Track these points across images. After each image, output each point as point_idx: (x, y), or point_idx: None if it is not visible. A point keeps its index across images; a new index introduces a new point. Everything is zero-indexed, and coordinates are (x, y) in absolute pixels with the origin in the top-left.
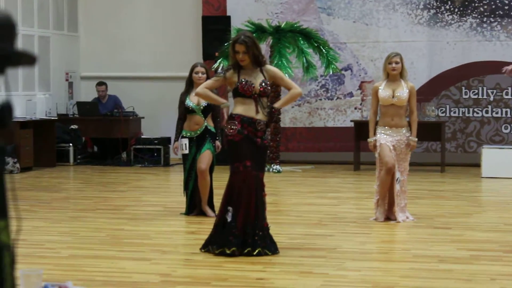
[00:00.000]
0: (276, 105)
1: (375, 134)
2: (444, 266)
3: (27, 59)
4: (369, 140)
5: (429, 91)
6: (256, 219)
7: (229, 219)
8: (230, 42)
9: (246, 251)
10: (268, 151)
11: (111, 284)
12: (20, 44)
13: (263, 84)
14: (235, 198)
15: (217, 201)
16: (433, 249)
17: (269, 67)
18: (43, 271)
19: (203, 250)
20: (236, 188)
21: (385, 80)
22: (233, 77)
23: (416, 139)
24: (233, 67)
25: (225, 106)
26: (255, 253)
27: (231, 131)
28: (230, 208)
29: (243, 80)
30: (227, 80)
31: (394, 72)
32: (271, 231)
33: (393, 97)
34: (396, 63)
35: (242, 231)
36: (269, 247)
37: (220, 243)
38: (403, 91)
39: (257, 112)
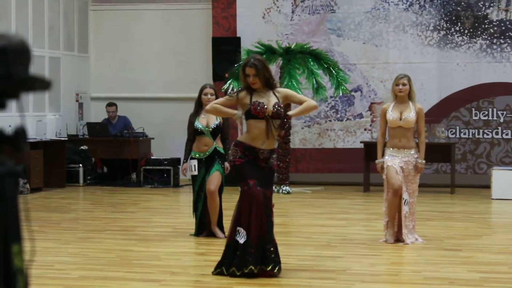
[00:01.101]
0: (290, 113)
1: (383, 156)
2: None
3: (41, 84)
4: (377, 161)
5: (439, 113)
6: (267, 235)
7: (241, 240)
8: (241, 64)
9: (266, 267)
10: (277, 173)
11: None
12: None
13: (277, 106)
14: (245, 218)
15: (227, 222)
16: (444, 271)
17: (280, 89)
18: None
19: (214, 273)
20: (244, 208)
21: (393, 102)
22: (245, 99)
23: (424, 161)
24: (246, 89)
25: (238, 117)
26: (275, 270)
27: (232, 157)
28: (240, 229)
29: (255, 101)
30: (240, 101)
31: (401, 94)
32: (280, 252)
33: (400, 119)
34: (403, 84)
35: (257, 248)
36: (279, 264)
37: (238, 264)
38: (410, 113)
39: (267, 134)
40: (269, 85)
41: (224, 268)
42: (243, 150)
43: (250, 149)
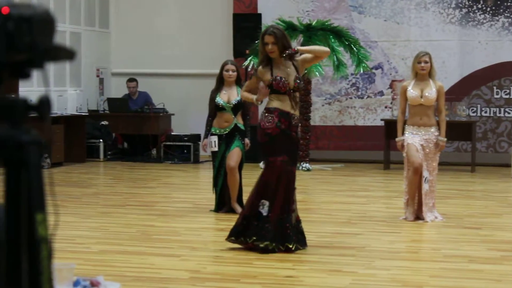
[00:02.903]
0: (300, 48)
1: (403, 133)
2: (474, 266)
3: (65, 54)
4: (397, 139)
5: (460, 91)
6: (283, 215)
7: (264, 213)
8: (260, 35)
9: (280, 245)
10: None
11: (141, 279)
12: None
13: (297, 80)
14: (270, 192)
15: (246, 198)
16: (463, 249)
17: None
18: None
19: (228, 239)
20: (271, 182)
21: (413, 80)
22: (266, 74)
23: (445, 139)
24: (265, 62)
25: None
26: (292, 247)
27: (268, 124)
28: (265, 202)
29: (277, 77)
30: (260, 77)
31: (423, 71)
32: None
33: (421, 97)
34: (425, 62)
35: (276, 226)
36: (300, 241)
37: (256, 235)
38: (431, 91)
39: (292, 107)
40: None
41: (242, 238)
42: (279, 116)
43: (285, 114)
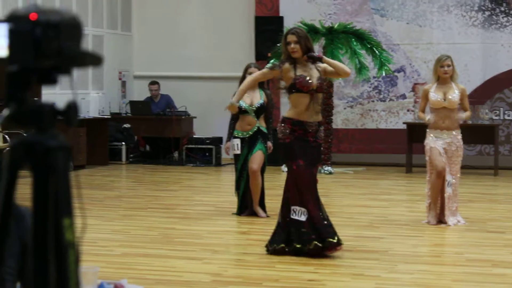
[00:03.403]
0: (325, 58)
1: (426, 138)
2: (498, 271)
3: (92, 60)
4: (426, 120)
5: (483, 94)
6: (320, 216)
7: (301, 218)
8: (283, 36)
9: (330, 241)
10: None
11: (162, 283)
12: None
13: (320, 81)
14: (296, 197)
15: (268, 202)
16: (486, 253)
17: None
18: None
19: (270, 248)
20: (293, 187)
21: (435, 83)
22: (290, 72)
23: (467, 116)
24: (289, 61)
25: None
26: (335, 240)
27: (281, 134)
28: (295, 208)
29: (301, 75)
30: (284, 73)
31: (446, 75)
32: None
33: (444, 100)
34: (448, 66)
35: (315, 226)
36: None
37: (298, 242)
38: (454, 94)
39: (310, 108)
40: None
41: (280, 245)
42: (292, 125)
43: (299, 123)
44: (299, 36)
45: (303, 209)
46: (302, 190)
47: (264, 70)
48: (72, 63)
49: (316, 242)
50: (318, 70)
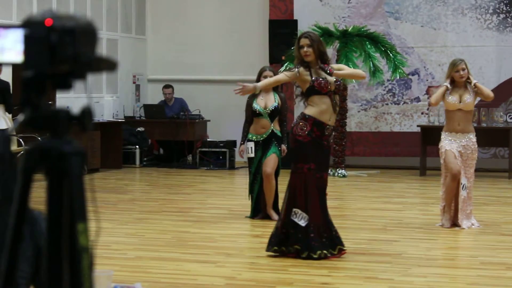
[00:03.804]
0: (337, 72)
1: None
2: None
3: (107, 65)
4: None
5: (497, 97)
6: (323, 220)
7: (301, 223)
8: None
9: (332, 250)
10: (333, 156)
11: (176, 286)
12: None
13: (337, 82)
14: (301, 200)
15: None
16: (501, 256)
17: (333, 65)
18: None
19: (270, 250)
20: (299, 189)
21: (450, 86)
22: (306, 75)
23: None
24: (303, 65)
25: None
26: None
27: (300, 131)
28: (297, 211)
29: (317, 77)
30: (300, 76)
31: (462, 79)
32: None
33: (460, 102)
34: (463, 70)
35: (320, 233)
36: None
37: (298, 244)
38: (470, 96)
39: (334, 108)
40: (323, 60)
41: (280, 247)
42: (313, 125)
43: (320, 124)
44: (312, 40)
45: (304, 215)
46: (309, 195)
47: (286, 72)
48: (87, 69)
49: (319, 252)
50: (330, 74)
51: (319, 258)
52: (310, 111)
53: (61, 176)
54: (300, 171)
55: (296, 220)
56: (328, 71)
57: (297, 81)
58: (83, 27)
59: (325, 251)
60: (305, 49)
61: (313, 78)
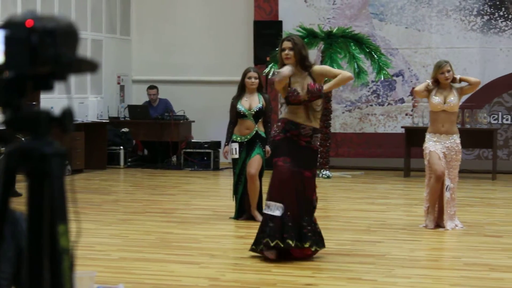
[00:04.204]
0: (325, 87)
1: (425, 141)
2: (495, 275)
3: (88, 66)
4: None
5: (481, 98)
6: (301, 216)
7: (275, 213)
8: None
9: (302, 244)
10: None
11: (160, 287)
12: None
13: (309, 88)
14: (275, 193)
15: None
16: (484, 257)
17: (316, 67)
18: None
19: (258, 249)
20: (275, 183)
21: (435, 87)
22: (286, 81)
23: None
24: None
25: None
26: (313, 249)
27: (275, 132)
28: (270, 203)
29: (292, 89)
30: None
31: (448, 81)
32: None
33: (444, 103)
34: (448, 71)
35: (294, 224)
36: (319, 242)
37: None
38: (454, 98)
39: (306, 118)
40: (304, 66)
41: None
42: (285, 126)
43: (293, 124)
44: (295, 43)
45: (278, 204)
46: (283, 187)
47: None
48: (68, 70)
49: (289, 241)
50: (312, 77)
51: (284, 248)
52: (285, 114)
53: (41, 178)
54: (276, 165)
55: (270, 212)
56: (317, 90)
57: (279, 87)
58: (64, 28)
59: (289, 241)
60: (286, 51)
61: (289, 89)
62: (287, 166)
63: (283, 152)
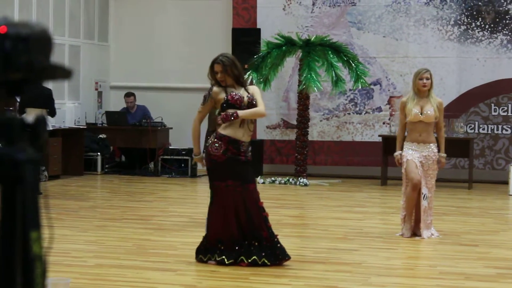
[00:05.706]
0: (240, 113)
1: (402, 149)
2: (471, 284)
3: (62, 73)
4: (395, 154)
5: (458, 108)
6: (251, 230)
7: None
8: (260, 56)
9: (239, 259)
10: (295, 165)
11: None
12: None
13: (250, 96)
14: (217, 214)
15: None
16: (460, 266)
17: (251, 86)
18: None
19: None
20: (218, 204)
21: (413, 95)
22: (220, 94)
23: (445, 155)
24: (218, 84)
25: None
26: (250, 260)
27: (216, 151)
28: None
29: (232, 91)
30: (215, 99)
31: (424, 88)
32: (295, 244)
33: (421, 113)
34: (427, 79)
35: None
36: (268, 257)
37: (212, 252)
38: (431, 108)
39: (243, 134)
40: (240, 83)
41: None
42: (228, 144)
43: (235, 142)
44: (224, 65)
45: (231, 225)
46: (234, 208)
47: (200, 107)
48: (41, 76)
49: (223, 257)
50: (248, 92)
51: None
52: (224, 130)
53: (14, 184)
54: (218, 189)
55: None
56: (233, 114)
57: (215, 103)
58: (38, 34)
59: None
60: (219, 75)
61: (228, 93)
62: (230, 189)
63: (226, 175)
